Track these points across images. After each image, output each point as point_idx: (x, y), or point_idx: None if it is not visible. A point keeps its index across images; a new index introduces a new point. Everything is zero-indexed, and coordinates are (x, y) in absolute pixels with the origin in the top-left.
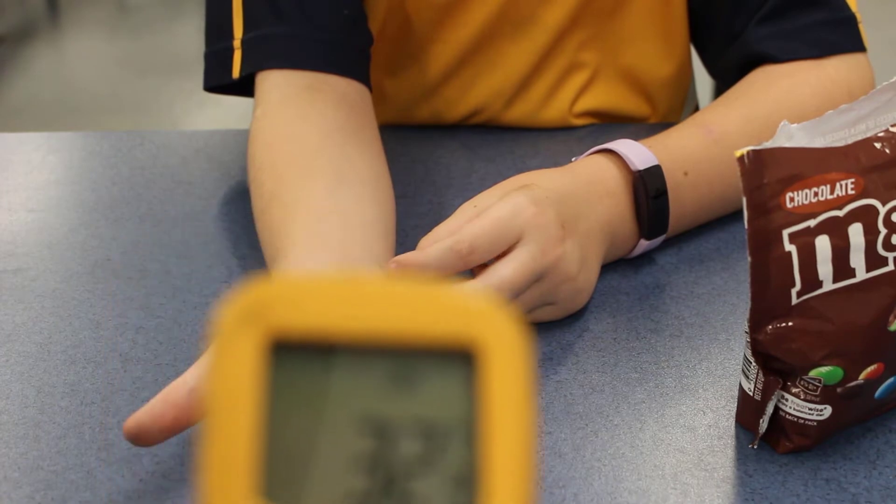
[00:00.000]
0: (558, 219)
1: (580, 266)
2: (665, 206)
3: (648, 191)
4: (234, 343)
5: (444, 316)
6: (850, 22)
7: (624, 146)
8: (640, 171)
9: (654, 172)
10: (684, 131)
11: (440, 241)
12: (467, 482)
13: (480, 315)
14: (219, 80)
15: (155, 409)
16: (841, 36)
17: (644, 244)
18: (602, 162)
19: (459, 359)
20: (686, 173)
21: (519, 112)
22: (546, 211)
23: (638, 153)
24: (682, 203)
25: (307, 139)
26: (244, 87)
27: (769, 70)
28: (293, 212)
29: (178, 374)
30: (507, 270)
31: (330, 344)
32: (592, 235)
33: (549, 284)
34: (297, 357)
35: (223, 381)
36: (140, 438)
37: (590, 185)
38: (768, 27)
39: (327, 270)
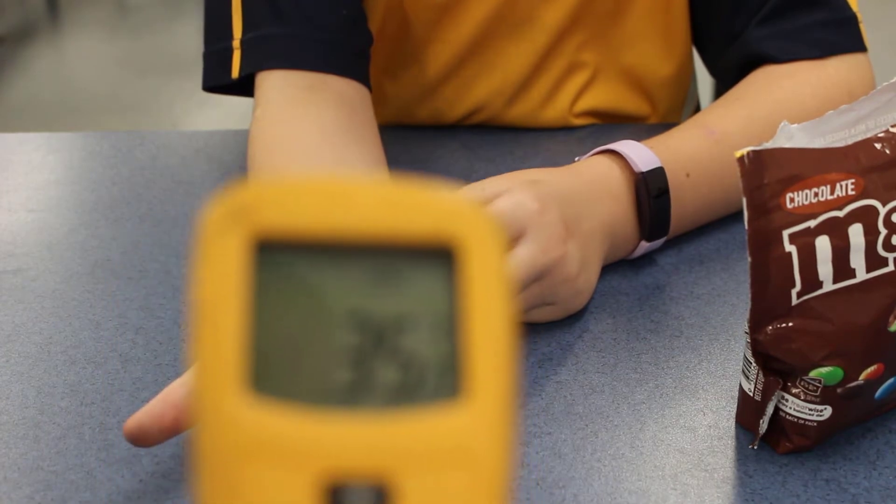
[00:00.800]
0: (562, 218)
1: (581, 267)
2: (666, 207)
3: (650, 192)
4: (220, 243)
5: (425, 216)
6: (850, 22)
7: (627, 147)
8: (642, 173)
9: (657, 174)
10: (686, 132)
11: None
12: (451, 371)
13: (459, 214)
14: (218, 80)
15: (155, 409)
16: (841, 36)
17: (645, 245)
18: (605, 163)
19: (440, 256)
20: (688, 174)
21: (519, 112)
22: (550, 209)
23: (641, 154)
24: (684, 204)
25: (306, 140)
26: (243, 88)
27: (769, 70)
28: None
29: (178, 374)
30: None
31: (314, 243)
32: (594, 236)
33: (549, 284)
34: (282, 256)
35: (210, 280)
36: (140, 439)
37: (593, 186)
38: (768, 27)
39: (311, 173)
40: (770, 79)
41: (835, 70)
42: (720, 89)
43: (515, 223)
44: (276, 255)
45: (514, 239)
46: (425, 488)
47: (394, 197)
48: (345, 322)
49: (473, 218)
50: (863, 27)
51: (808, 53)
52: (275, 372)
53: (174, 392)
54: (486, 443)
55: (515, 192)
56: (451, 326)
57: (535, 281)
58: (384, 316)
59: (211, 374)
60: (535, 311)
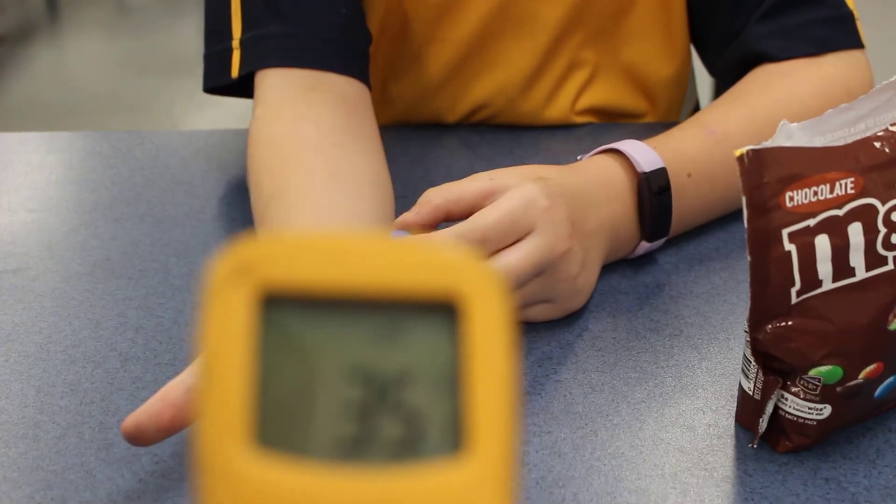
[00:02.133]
0: (569, 216)
1: (581, 267)
2: (668, 207)
3: (653, 192)
4: (226, 297)
5: (428, 270)
6: (847, 19)
7: (630, 147)
8: (645, 173)
9: (659, 174)
10: (687, 132)
11: (451, 224)
12: (453, 426)
13: (462, 269)
14: (218, 81)
15: (153, 408)
16: (839, 33)
17: (645, 245)
18: (609, 162)
19: (443, 311)
20: (689, 175)
21: (521, 110)
22: (559, 207)
23: (644, 154)
24: (685, 204)
25: (306, 139)
26: (243, 88)
27: (768, 69)
28: (292, 212)
29: (177, 373)
30: (513, 258)
31: (318, 299)
32: (596, 237)
33: (550, 281)
34: (286, 311)
35: (215, 334)
36: (138, 438)
37: (598, 186)
38: (767, 25)
39: (316, 228)
40: (769, 77)
41: (833, 68)
42: (720, 88)
43: (525, 219)
44: (280, 310)
45: (522, 233)
46: None
47: (396, 253)
48: (348, 377)
49: (476, 273)
50: (859, 24)
51: (807, 51)
52: (279, 426)
53: (172, 391)
54: (487, 500)
55: (524, 187)
56: (453, 382)
57: (537, 276)
58: (387, 371)
59: (216, 427)
60: (532, 308)
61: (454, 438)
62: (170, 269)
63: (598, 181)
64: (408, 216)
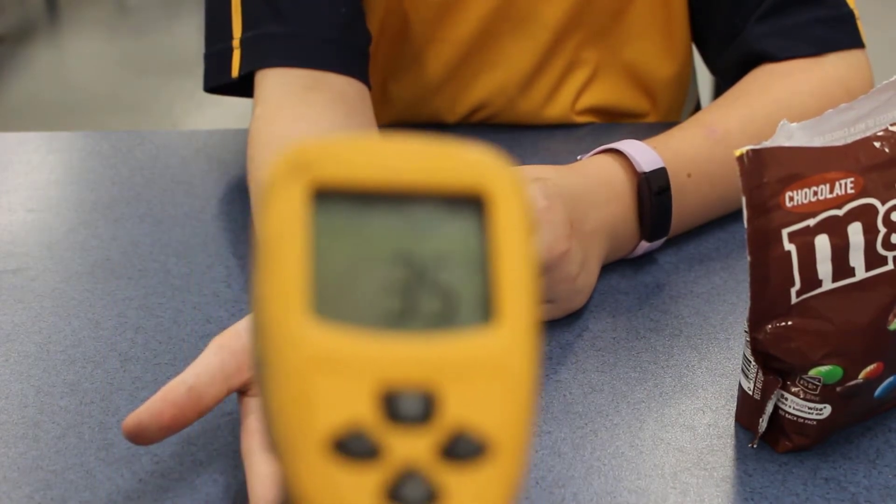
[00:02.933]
0: (567, 216)
1: (581, 267)
2: (668, 207)
3: (652, 192)
4: (283, 191)
5: (458, 169)
6: (848, 18)
7: (630, 147)
8: (645, 173)
9: (659, 174)
10: (687, 132)
11: None
12: (483, 300)
13: (487, 167)
14: (218, 81)
15: (153, 407)
16: (839, 33)
17: (645, 245)
18: (609, 162)
19: (471, 203)
20: (689, 175)
21: (522, 109)
22: (557, 207)
23: (644, 155)
24: (685, 204)
25: (306, 139)
26: (244, 88)
27: (768, 69)
28: None
29: (177, 373)
30: None
31: (363, 193)
32: (595, 237)
33: (549, 281)
34: (336, 203)
35: (274, 222)
36: (139, 437)
37: (598, 186)
38: (767, 24)
39: (363, 134)
40: (769, 77)
41: (833, 67)
42: (720, 87)
43: None
44: (331, 202)
45: None
46: (466, 395)
47: (432, 154)
48: (391, 260)
49: (499, 171)
50: (860, 24)
51: (807, 51)
52: (332, 299)
53: (173, 390)
54: (517, 357)
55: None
56: (482, 264)
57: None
58: (424, 255)
59: (278, 300)
60: None
61: (485, 311)
62: (169, 268)
63: (598, 181)
64: None
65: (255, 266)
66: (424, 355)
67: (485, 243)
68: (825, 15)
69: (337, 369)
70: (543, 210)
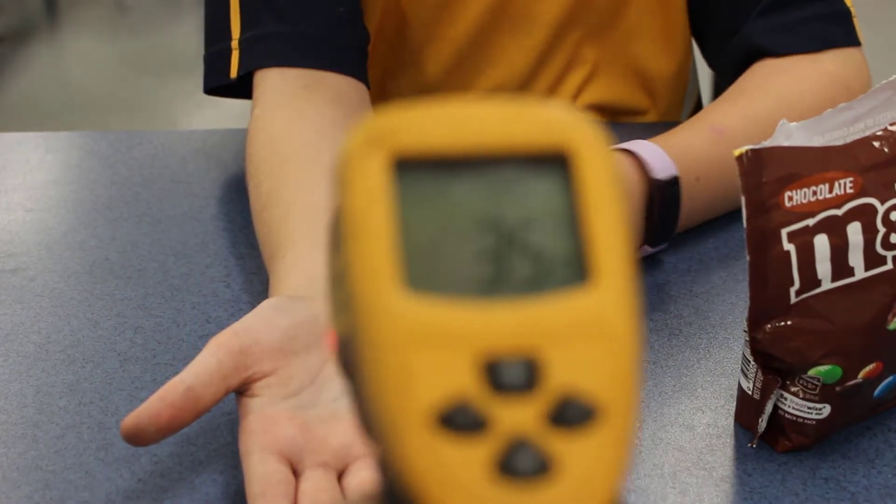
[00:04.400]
0: None
1: None
2: (675, 214)
3: (664, 200)
4: (363, 163)
5: (540, 129)
6: (845, 16)
7: (643, 149)
8: (659, 181)
9: (672, 184)
10: (695, 133)
11: None
12: (577, 261)
13: (570, 126)
14: (218, 82)
15: (152, 408)
16: (837, 30)
17: (647, 250)
18: (624, 163)
19: (556, 163)
20: (698, 178)
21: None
22: None
23: (658, 160)
24: (692, 207)
25: (305, 138)
26: (243, 89)
27: (767, 65)
28: (291, 211)
29: (176, 373)
30: None
31: (445, 160)
32: None
33: None
34: (417, 172)
35: (357, 195)
36: (137, 438)
37: None
38: (766, 21)
39: (439, 100)
40: (769, 74)
41: (832, 64)
42: (719, 84)
43: None
44: (412, 171)
45: None
46: (570, 358)
47: (511, 114)
48: (479, 226)
49: (583, 128)
50: (856, 21)
51: (806, 47)
52: (423, 270)
53: (171, 391)
54: (618, 316)
55: None
56: (572, 224)
57: None
58: (512, 219)
59: (368, 274)
60: None
61: (580, 271)
62: (168, 268)
63: None
64: None
65: (339, 243)
66: (523, 321)
67: (573, 202)
68: (824, 12)
69: (436, 342)
70: None
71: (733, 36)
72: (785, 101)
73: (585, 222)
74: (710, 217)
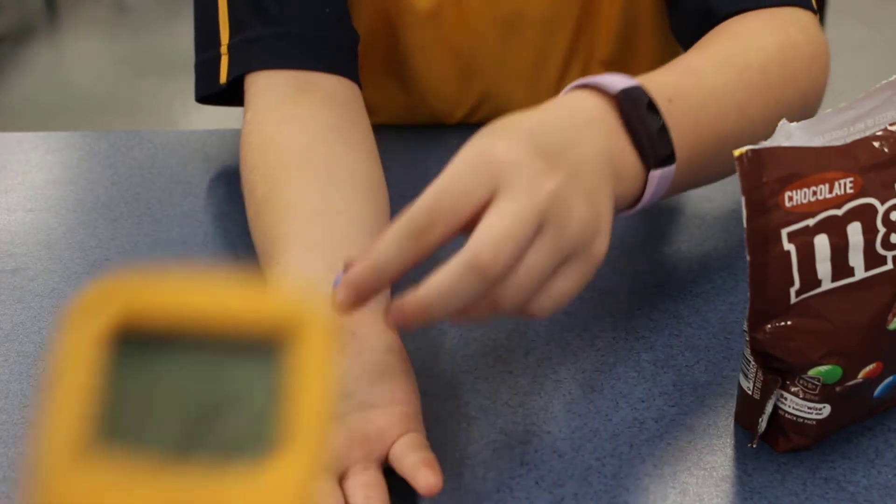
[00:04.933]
0: (537, 150)
1: (586, 200)
2: (660, 125)
3: (638, 109)
4: (78, 326)
5: (264, 310)
6: None
7: (597, 78)
8: (619, 91)
9: (635, 91)
10: (659, 71)
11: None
12: (268, 443)
13: (295, 310)
14: (209, 89)
15: None
16: None
17: (656, 177)
18: (577, 94)
19: (273, 345)
20: (670, 100)
21: (523, 108)
22: (517, 145)
23: (613, 79)
24: (678, 130)
25: (296, 141)
26: (235, 95)
27: (725, 24)
28: (284, 215)
29: None
30: (496, 221)
31: (164, 332)
32: (589, 164)
33: (556, 232)
34: (134, 342)
35: (64, 361)
36: None
37: (571, 114)
38: None
39: (170, 269)
40: (727, 27)
41: (791, 14)
42: None
43: (479, 174)
44: (129, 341)
45: (487, 192)
46: None
47: (238, 294)
48: (182, 401)
49: (308, 314)
50: None
51: (762, 3)
52: (119, 436)
53: None
54: (288, 499)
55: (469, 144)
56: (274, 407)
57: (539, 235)
58: (217, 397)
59: (55, 437)
60: (555, 281)
61: (265, 452)
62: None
63: (570, 110)
64: (357, 264)
65: (41, 402)
66: (201, 496)
67: (280, 387)
68: None
69: None
70: (503, 153)
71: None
72: (741, 37)
73: (288, 407)
74: (710, 159)
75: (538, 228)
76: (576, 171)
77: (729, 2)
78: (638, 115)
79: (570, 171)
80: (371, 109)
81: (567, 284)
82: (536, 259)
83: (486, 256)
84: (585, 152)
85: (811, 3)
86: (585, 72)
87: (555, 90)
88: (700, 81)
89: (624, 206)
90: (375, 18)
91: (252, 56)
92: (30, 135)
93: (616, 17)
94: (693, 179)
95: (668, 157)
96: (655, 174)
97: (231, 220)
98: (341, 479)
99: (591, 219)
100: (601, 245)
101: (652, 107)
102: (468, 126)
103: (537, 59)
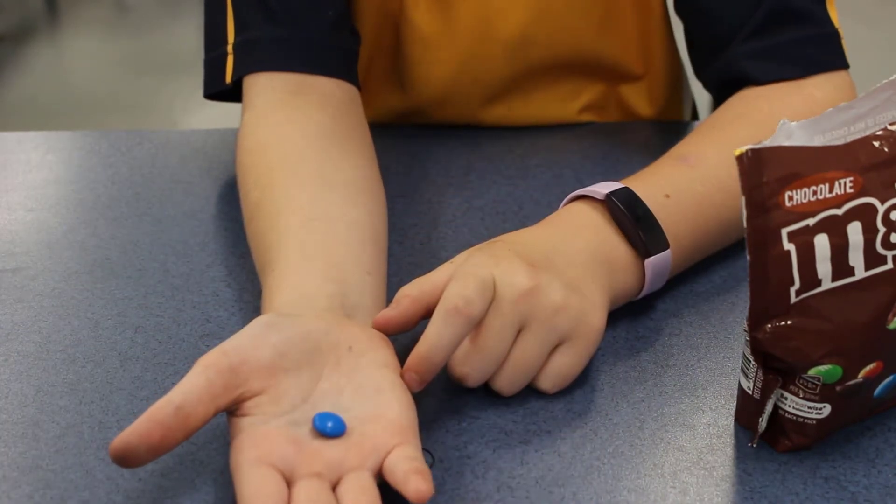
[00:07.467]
0: (525, 260)
1: (566, 292)
2: (653, 222)
3: (627, 212)
4: None
5: None
6: (833, 38)
7: (585, 189)
8: (607, 195)
9: (623, 192)
10: (656, 165)
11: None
12: None
13: None
14: (215, 87)
15: (141, 428)
16: (824, 54)
17: (651, 264)
18: (571, 206)
19: None
20: (667, 195)
21: (523, 113)
22: (508, 257)
23: (601, 186)
24: (675, 222)
25: (291, 145)
26: (241, 93)
27: (750, 94)
28: (278, 220)
29: (176, 372)
30: (461, 287)
31: None
32: (576, 264)
33: (541, 323)
34: None
35: None
36: (127, 459)
37: (561, 227)
38: (752, 44)
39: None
40: (749, 104)
41: (817, 90)
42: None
43: (476, 290)
44: None
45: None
46: None
47: None
48: None
49: None
50: (844, 43)
51: (791, 73)
52: None
53: (160, 410)
54: None
55: (470, 255)
56: None
57: (524, 330)
58: None
59: None
60: (560, 354)
61: None
62: (169, 268)
63: (561, 223)
64: (388, 312)
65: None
66: None
67: None
68: (811, 34)
69: None
70: (494, 264)
71: (718, 55)
72: (763, 127)
73: None
74: (710, 244)
75: (521, 323)
76: (561, 270)
77: (761, 70)
78: (629, 218)
79: (555, 271)
80: (372, 110)
81: (566, 360)
82: (527, 349)
83: (457, 301)
84: (573, 256)
85: (843, 57)
86: (579, 78)
87: (547, 100)
88: (704, 175)
89: (632, 292)
90: (381, 23)
91: (252, 58)
92: (30, 134)
93: (631, 29)
94: (701, 255)
95: (661, 246)
96: (650, 262)
97: (231, 220)
98: (334, 488)
99: (575, 305)
100: (595, 321)
101: (640, 202)
102: (469, 126)
103: (544, 79)
